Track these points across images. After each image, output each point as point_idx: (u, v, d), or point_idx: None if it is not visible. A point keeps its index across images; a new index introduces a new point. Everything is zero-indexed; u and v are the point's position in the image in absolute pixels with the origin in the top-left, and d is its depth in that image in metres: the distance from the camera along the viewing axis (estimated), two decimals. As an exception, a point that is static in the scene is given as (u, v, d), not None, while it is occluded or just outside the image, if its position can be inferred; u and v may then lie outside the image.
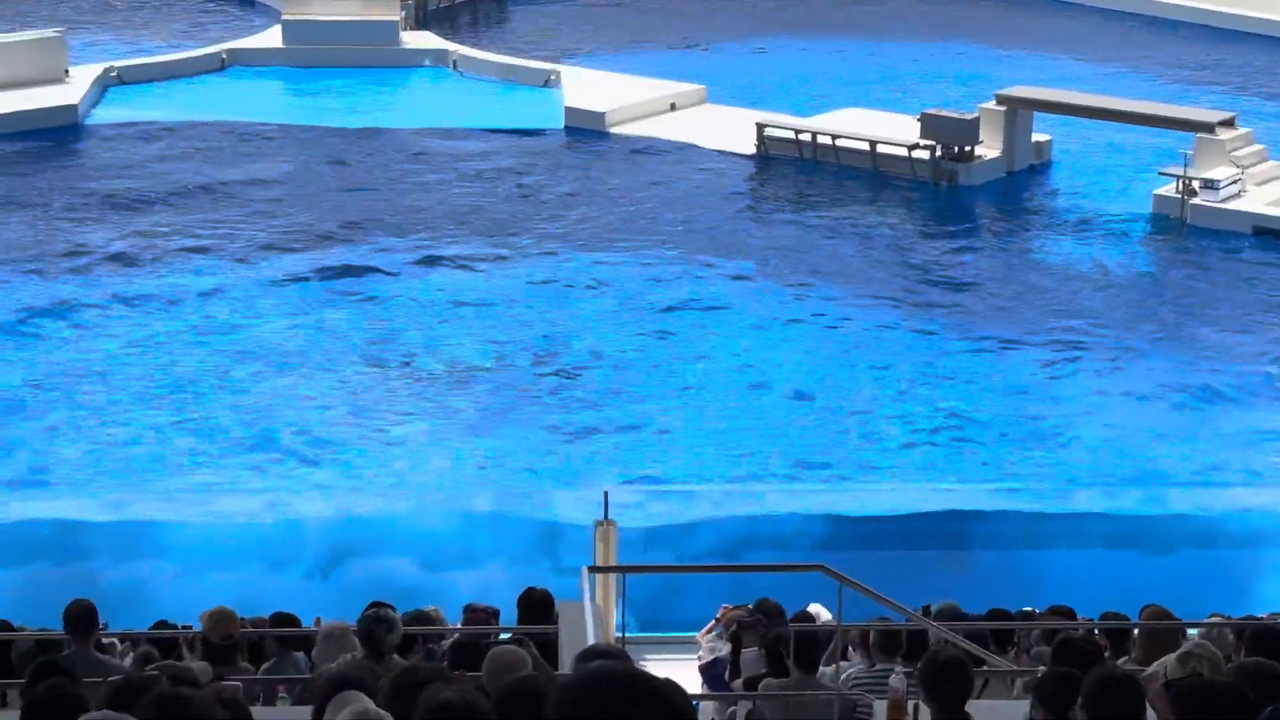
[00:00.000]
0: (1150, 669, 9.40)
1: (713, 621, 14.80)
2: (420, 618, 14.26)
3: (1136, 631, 12.45)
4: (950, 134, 34.82)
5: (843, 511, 20.98)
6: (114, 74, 41.04)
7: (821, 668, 12.18)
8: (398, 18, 43.92)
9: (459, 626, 14.15)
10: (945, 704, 8.76)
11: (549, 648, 11.88)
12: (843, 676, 12.25)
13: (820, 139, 35.80)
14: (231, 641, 11.86)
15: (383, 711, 7.05)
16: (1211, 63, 44.17)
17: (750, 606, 13.98)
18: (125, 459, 23.48)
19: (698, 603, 16.22)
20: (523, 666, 8.43)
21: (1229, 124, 34.28)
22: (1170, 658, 8.88)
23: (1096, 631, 12.58)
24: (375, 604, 11.23)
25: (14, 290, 28.87)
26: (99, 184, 34.39)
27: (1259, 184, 33.49)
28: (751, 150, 36.47)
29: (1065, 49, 45.06)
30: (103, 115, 38.80)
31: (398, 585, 17.81)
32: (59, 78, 39.42)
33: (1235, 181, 32.83)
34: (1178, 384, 26.20)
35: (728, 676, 13.32)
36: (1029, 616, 14.38)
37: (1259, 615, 14.60)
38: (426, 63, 43.06)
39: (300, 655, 12.83)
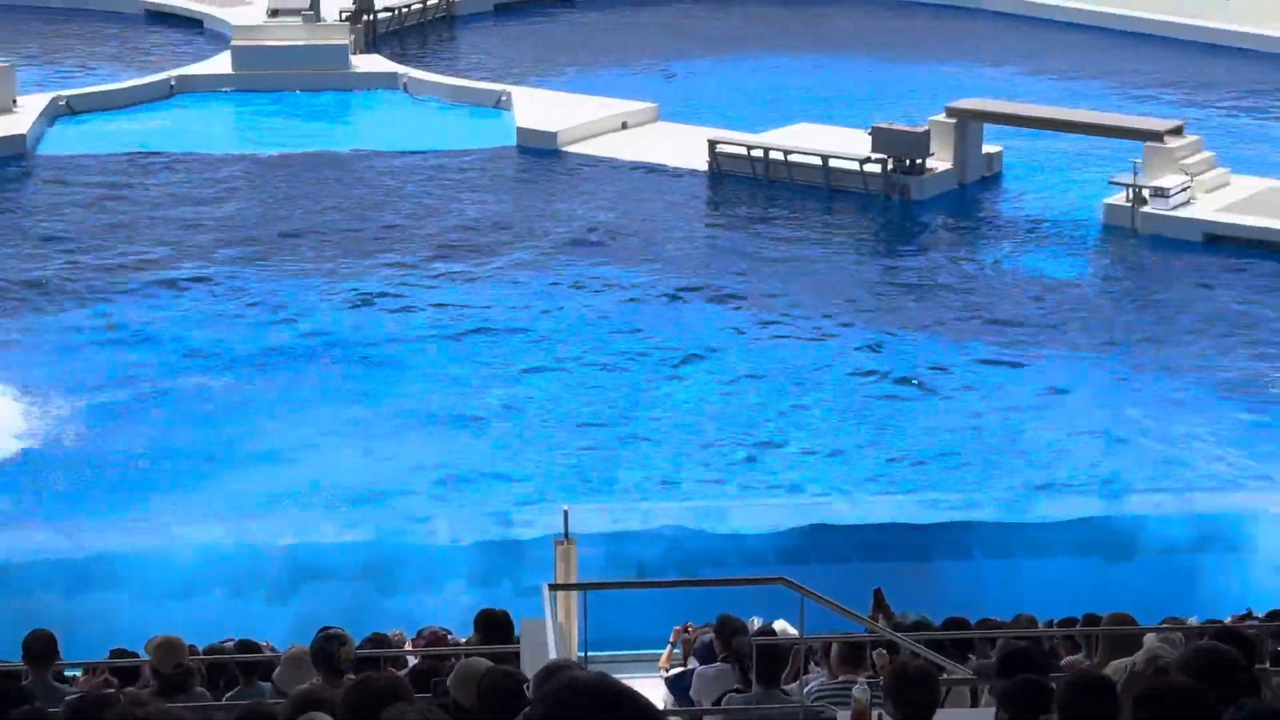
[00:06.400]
0: (1109, 669, 9.39)
1: (669, 644, 14.81)
2: (380, 641, 14.19)
3: (1097, 637, 12.45)
4: (901, 147, 34.88)
5: (803, 523, 20.96)
6: (63, 103, 40.84)
7: (785, 684, 12.16)
8: (347, 41, 43.83)
9: (418, 648, 14.08)
10: (912, 716, 8.74)
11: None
12: (805, 689, 12.23)
13: (773, 155, 35.81)
14: (183, 670, 11.72)
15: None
16: (1157, 72, 44.32)
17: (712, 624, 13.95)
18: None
19: (656, 621, 16.21)
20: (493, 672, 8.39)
21: (1177, 132, 34.38)
22: (1136, 656, 8.87)
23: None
24: (325, 628, 11.13)
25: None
26: (43, 219, 34.28)
27: (1208, 191, 33.61)
28: (705, 167, 36.47)
29: (1013, 61, 45.19)
30: (52, 145, 38.62)
31: (357, 610, 17.72)
32: (7, 107, 39.24)
33: (1185, 189, 32.95)
34: (1130, 390, 26.36)
35: (692, 691, 13.29)
36: (988, 625, 14.36)
37: (1221, 619, 14.63)
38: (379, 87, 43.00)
39: (266, 685, 12.69)
